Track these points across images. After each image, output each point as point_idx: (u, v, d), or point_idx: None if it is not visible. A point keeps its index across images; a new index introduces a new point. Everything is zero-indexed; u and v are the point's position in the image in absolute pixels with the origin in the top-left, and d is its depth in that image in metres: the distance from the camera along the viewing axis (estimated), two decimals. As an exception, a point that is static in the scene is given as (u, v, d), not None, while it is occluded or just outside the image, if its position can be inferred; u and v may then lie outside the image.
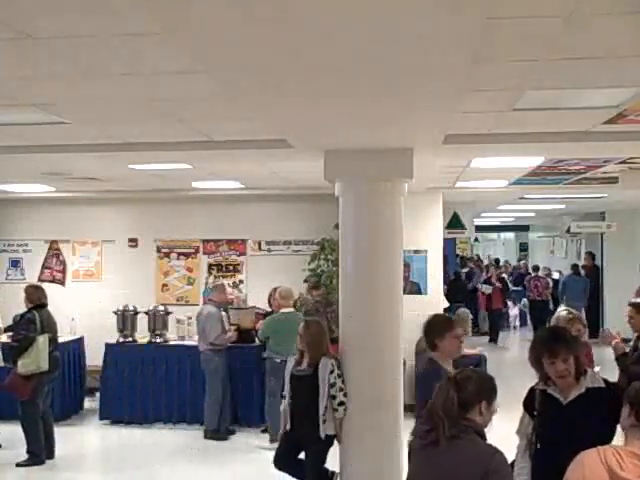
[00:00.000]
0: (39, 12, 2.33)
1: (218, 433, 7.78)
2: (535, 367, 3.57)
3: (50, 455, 6.95)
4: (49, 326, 6.98)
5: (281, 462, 5.55)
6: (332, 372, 5.25)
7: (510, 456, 3.54)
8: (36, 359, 6.69)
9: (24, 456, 6.78)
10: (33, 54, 2.87)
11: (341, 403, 5.24)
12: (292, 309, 7.66)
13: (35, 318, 6.82)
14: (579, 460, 2.66)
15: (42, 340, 6.75)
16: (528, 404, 3.66)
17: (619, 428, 3.06)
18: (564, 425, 3.40)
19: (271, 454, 5.77)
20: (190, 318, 8.64)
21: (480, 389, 2.93)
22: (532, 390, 3.67)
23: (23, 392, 6.77)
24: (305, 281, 8.98)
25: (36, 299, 6.97)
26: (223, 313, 8.18)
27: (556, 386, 3.49)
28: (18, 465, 6.66)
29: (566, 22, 2.49)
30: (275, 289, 8.19)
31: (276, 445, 7.28)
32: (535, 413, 3.58)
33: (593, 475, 2.55)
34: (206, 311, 7.95)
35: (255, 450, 7.37)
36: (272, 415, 7.41)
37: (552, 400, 3.49)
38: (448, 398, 2.86)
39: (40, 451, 6.83)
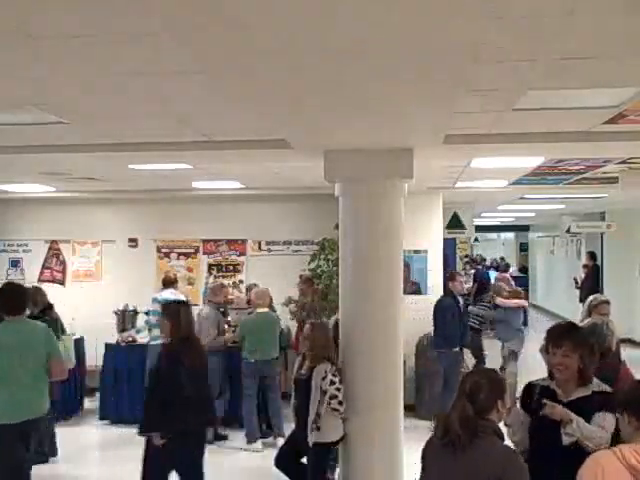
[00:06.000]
0: (39, 12, 2.33)
1: (217, 433, 7.79)
2: (543, 355, 3.60)
3: (53, 452, 6.99)
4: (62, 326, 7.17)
5: (281, 462, 5.51)
6: (324, 379, 5.13)
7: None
8: (68, 357, 6.82)
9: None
10: (33, 54, 2.87)
11: (334, 409, 5.13)
12: (267, 309, 7.69)
13: (59, 317, 7.05)
14: (594, 460, 2.61)
15: (67, 338, 6.98)
16: (525, 401, 3.59)
17: None
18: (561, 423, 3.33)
19: (268, 454, 5.76)
20: (190, 318, 8.64)
21: (492, 393, 2.95)
22: (530, 386, 3.61)
23: (55, 392, 6.80)
24: (300, 277, 8.92)
25: (41, 301, 7.06)
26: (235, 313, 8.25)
27: (558, 383, 3.45)
28: None
29: (566, 22, 2.49)
30: (249, 289, 8.25)
31: (254, 446, 7.35)
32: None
33: (612, 474, 2.50)
34: (203, 313, 7.96)
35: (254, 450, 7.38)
36: (248, 416, 7.43)
37: (552, 397, 3.43)
38: (465, 413, 2.88)
39: (45, 449, 6.86)
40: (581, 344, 3.46)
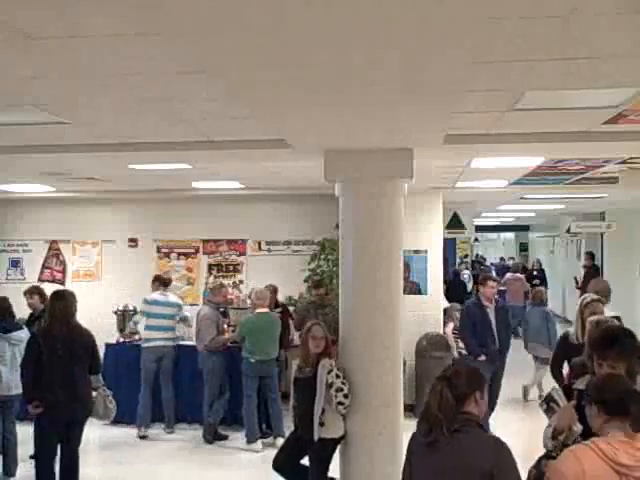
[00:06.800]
0: (39, 12, 2.33)
1: (217, 433, 7.80)
2: (588, 362, 3.48)
3: None
4: None
5: (280, 464, 5.48)
6: (330, 372, 5.20)
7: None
8: None
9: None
10: (33, 54, 2.87)
11: (339, 403, 5.18)
12: (267, 309, 7.70)
13: None
14: (570, 456, 2.62)
15: None
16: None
17: None
18: None
19: (268, 454, 5.75)
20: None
21: (471, 381, 2.99)
22: (570, 389, 3.43)
23: None
24: (306, 280, 8.99)
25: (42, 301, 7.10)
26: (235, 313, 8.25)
27: None
28: (32, 457, 6.63)
29: (566, 22, 2.49)
30: (252, 289, 8.27)
31: (254, 446, 7.36)
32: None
33: (594, 468, 2.51)
34: (203, 312, 7.97)
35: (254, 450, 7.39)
36: (248, 416, 7.43)
37: None
38: (443, 397, 2.91)
39: None
40: (628, 351, 3.33)
